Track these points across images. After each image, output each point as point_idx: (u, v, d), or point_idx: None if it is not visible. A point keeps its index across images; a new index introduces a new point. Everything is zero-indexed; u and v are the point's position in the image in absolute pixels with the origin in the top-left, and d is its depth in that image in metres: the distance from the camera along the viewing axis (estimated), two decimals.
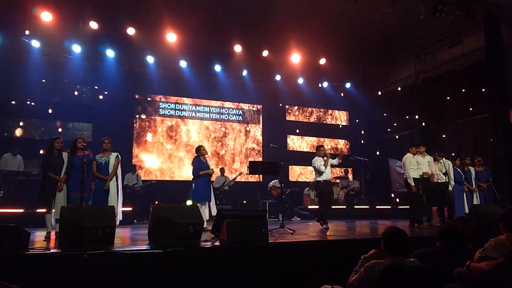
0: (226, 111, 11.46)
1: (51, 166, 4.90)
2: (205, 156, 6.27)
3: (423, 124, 10.70)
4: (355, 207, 10.02)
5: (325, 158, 6.18)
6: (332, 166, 6.38)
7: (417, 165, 6.56)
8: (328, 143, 12.35)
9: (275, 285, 3.68)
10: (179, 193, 7.80)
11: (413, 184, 6.37)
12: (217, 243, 3.96)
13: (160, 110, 10.65)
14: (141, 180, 9.02)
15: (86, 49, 9.02)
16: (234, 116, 11.54)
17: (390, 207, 10.33)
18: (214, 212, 5.75)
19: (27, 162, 8.07)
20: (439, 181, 6.77)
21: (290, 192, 9.77)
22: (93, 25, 8.30)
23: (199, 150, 6.26)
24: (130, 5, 8.12)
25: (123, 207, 5.61)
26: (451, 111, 10.05)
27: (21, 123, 9.08)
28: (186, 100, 10.98)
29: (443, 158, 6.80)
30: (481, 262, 2.30)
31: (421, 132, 10.62)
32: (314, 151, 6.90)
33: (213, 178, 6.78)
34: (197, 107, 11.10)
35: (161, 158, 10.46)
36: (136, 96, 10.38)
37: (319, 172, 6.18)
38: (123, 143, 9.22)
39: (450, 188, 6.71)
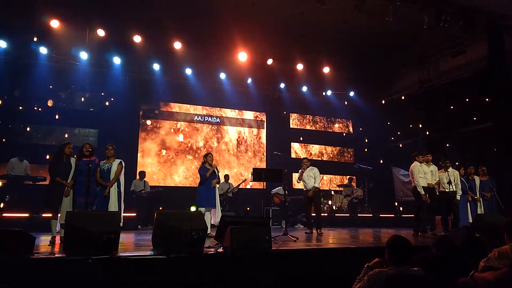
0: (231, 118, 11.51)
1: (59, 171, 4.94)
2: (213, 163, 6.26)
3: (427, 133, 10.67)
4: (359, 215, 9.99)
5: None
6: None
7: (423, 174, 6.55)
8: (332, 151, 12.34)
9: None
10: (184, 200, 7.83)
11: (423, 193, 6.35)
12: (220, 250, 3.97)
13: (166, 116, 10.72)
14: (149, 186, 9.04)
15: (93, 56, 9.14)
16: (239, 123, 11.59)
17: (393, 215, 10.28)
18: (218, 219, 5.76)
19: (34, 167, 8.13)
20: (445, 190, 6.73)
21: (290, 200, 9.72)
22: (100, 32, 8.43)
23: (206, 157, 6.30)
24: (136, 13, 8.25)
25: (127, 212, 5.63)
26: (454, 120, 10.01)
27: (28, 129, 9.17)
28: (191, 107, 11.05)
29: (450, 168, 6.77)
30: (485, 272, 2.30)
31: (424, 141, 10.59)
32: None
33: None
34: (202, 114, 11.16)
35: (166, 164, 10.50)
36: (142, 103, 10.46)
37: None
38: (128, 149, 9.29)
39: (458, 197, 6.67)
